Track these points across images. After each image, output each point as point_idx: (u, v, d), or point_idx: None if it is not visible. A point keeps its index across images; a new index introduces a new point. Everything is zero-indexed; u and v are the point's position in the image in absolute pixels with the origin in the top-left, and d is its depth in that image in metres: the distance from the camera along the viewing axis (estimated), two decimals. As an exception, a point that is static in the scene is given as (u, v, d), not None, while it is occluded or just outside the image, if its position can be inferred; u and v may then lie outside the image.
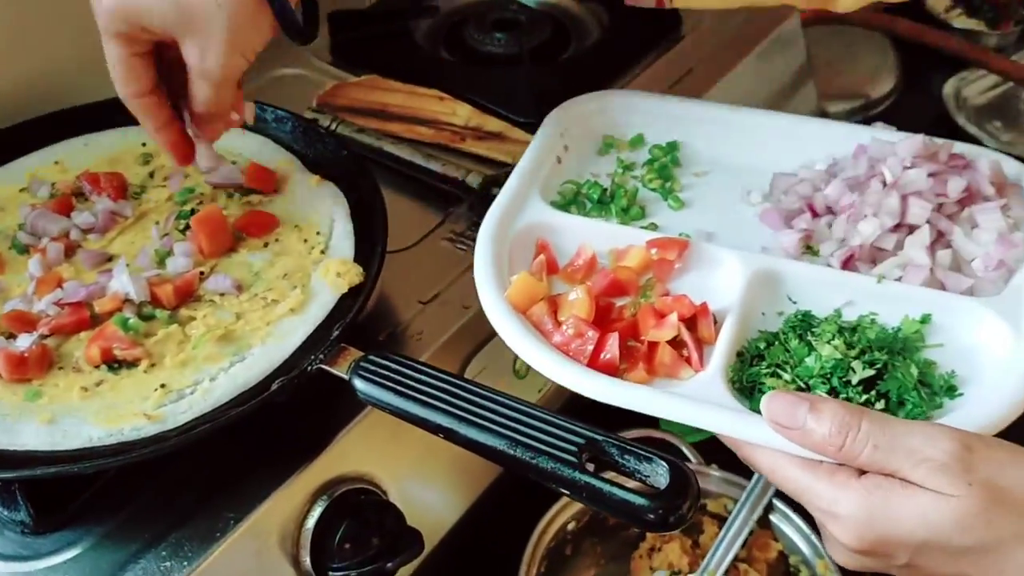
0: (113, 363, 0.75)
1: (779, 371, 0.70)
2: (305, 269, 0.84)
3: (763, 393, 0.65)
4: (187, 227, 0.86)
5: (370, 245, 0.85)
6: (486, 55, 1.20)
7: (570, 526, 0.92)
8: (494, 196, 0.97)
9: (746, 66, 1.23)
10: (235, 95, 0.80)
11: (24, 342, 0.75)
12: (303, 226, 0.88)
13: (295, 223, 0.88)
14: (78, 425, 0.71)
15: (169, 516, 0.72)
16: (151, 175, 0.94)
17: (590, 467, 0.63)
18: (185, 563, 0.69)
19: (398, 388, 0.69)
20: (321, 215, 0.89)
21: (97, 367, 0.75)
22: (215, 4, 0.71)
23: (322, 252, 0.85)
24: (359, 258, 0.84)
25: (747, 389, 0.71)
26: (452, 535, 0.87)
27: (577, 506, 0.92)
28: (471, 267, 0.91)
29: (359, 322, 0.79)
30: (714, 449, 1.07)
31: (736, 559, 0.88)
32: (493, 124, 1.09)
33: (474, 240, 0.94)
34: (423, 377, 0.70)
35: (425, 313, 0.88)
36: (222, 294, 0.81)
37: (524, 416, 0.66)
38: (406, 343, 0.85)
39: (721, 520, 0.91)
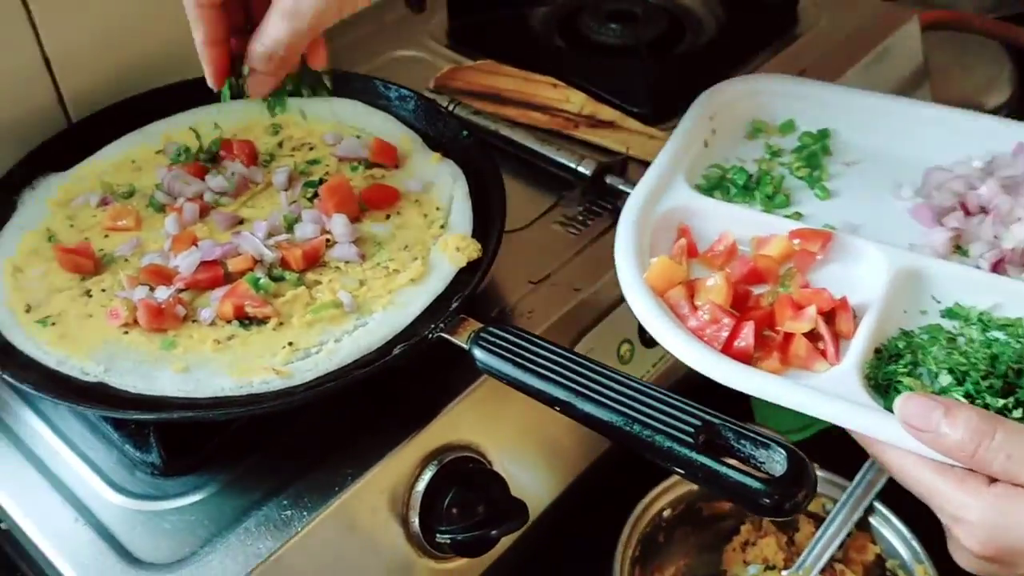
0: (244, 319, 0.79)
1: (916, 370, 0.70)
2: (424, 242, 0.86)
3: (898, 392, 0.65)
4: (315, 195, 0.89)
5: (487, 222, 0.87)
6: (601, 45, 1.21)
7: (665, 513, 0.93)
8: (607, 184, 0.99)
9: (862, 68, 1.22)
10: (319, 52, 0.81)
11: (162, 294, 0.80)
12: (423, 201, 0.91)
13: (415, 198, 0.91)
14: (210, 376, 0.75)
15: (290, 468, 0.75)
16: (280, 145, 0.98)
17: (705, 448, 0.64)
18: (304, 513, 0.72)
19: (517, 360, 0.71)
20: (440, 191, 0.92)
21: (229, 322, 0.79)
22: None
23: (441, 227, 0.88)
24: (477, 235, 0.87)
25: (882, 387, 0.70)
26: (549, 511, 0.89)
27: (674, 494, 0.93)
28: (582, 251, 0.94)
29: (474, 296, 0.81)
30: (813, 448, 1.08)
31: (832, 559, 0.88)
32: (606, 113, 1.11)
33: (585, 225, 0.97)
34: (541, 351, 0.72)
35: (535, 293, 0.90)
36: (347, 261, 0.84)
37: (641, 395, 0.67)
38: (516, 320, 0.87)
39: (818, 519, 0.91)
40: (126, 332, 0.78)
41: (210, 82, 0.83)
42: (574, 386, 0.68)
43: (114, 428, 0.76)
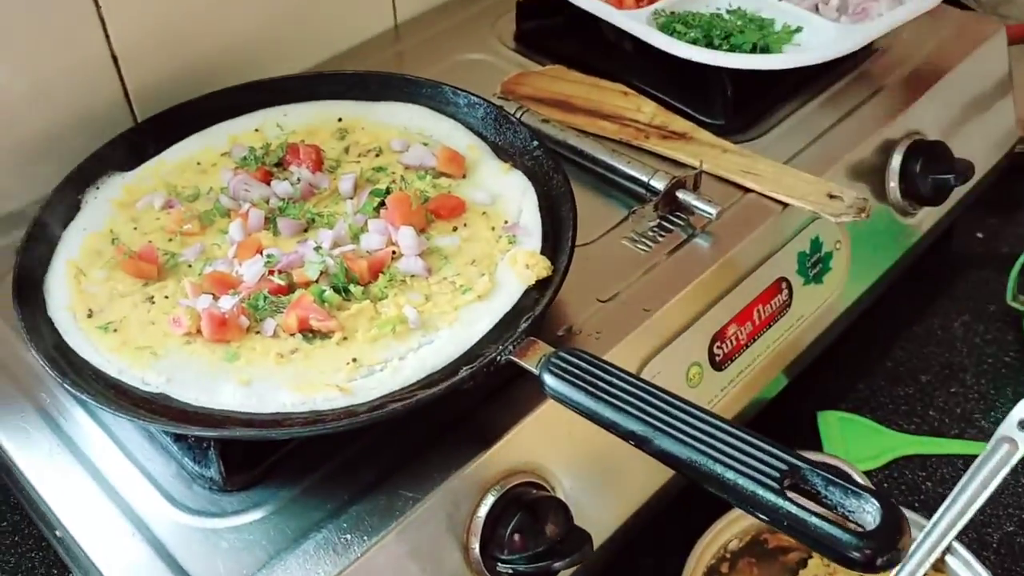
0: (308, 333, 0.77)
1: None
2: (492, 257, 0.84)
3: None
4: (381, 204, 0.87)
5: (557, 238, 0.84)
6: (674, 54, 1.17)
7: (731, 544, 0.89)
8: (679, 199, 0.95)
9: (946, 84, 1.17)
10: None
11: (227, 303, 0.78)
12: (491, 213, 0.88)
13: (482, 210, 0.89)
14: (273, 390, 0.73)
15: (351, 488, 0.73)
16: (346, 151, 0.96)
17: (791, 494, 0.60)
18: (364, 537, 0.70)
19: (590, 388, 0.68)
20: (509, 204, 0.89)
21: (292, 335, 0.77)
22: None
23: (509, 242, 0.85)
24: (546, 251, 0.84)
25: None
26: (612, 540, 0.86)
27: (739, 525, 0.90)
28: (652, 269, 0.91)
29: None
30: (885, 479, 1.04)
31: (906, 601, 0.84)
32: (679, 124, 1.07)
33: (656, 242, 0.94)
34: (615, 379, 0.69)
35: (603, 312, 0.87)
36: (412, 275, 0.82)
37: (723, 433, 0.64)
38: (584, 341, 0.84)
39: (892, 559, 0.87)
40: (188, 342, 0.77)
41: None
42: (652, 420, 0.65)
43: (173, 440, 0.75)
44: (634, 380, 0.68)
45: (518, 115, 1.03)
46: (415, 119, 0.99)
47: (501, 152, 0.95)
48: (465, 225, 0.87)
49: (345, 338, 0.77)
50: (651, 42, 1.08)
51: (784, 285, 0.98)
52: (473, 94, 0.99)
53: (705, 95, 1.08)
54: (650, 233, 0.95)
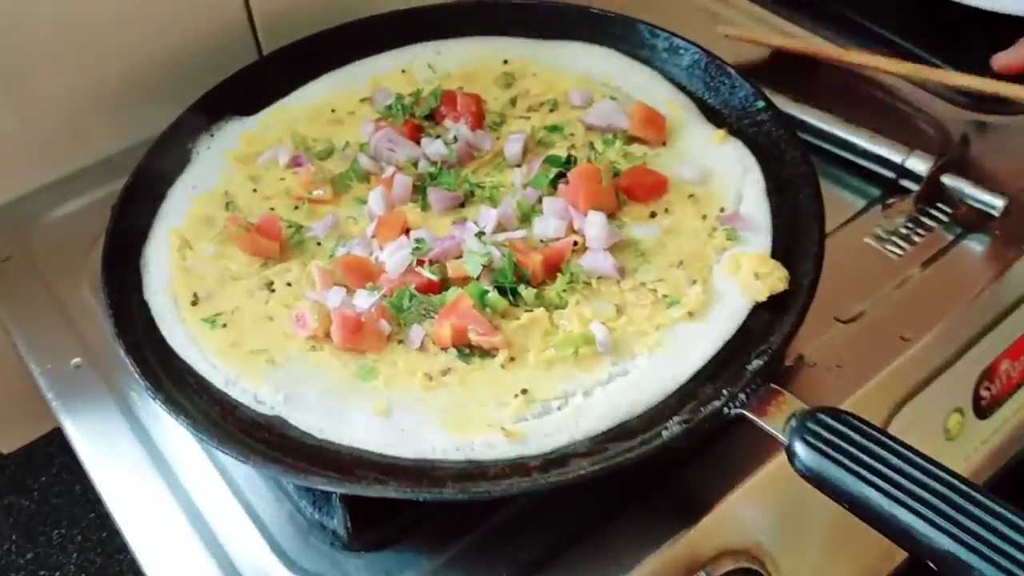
0: (465, 348, 0.59)
1: None
2: (705, 258, 0.63)
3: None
4: (559, 177, 0.67)
5: (794, 237, 0.63)
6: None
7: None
8: (944, 186, 0.72)
9: None
10: None
11: (363, 301, 0.60)
12: (700, 196, 0.68)
13: (689, 191, 0.68)
14: (419, 424, 0.56)
15: (513, 562, 0.55)
16: (512, 102, 0.76)
17: None
18: (529, 636, 0.52)
19: (862, 471, 0.48)
20: (725, 184, 0.68)
21: (445, 350, 0.59)
22: None
23: (729, 239, 0.64)
24: (777, 254, 0.63)
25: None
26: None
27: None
28: (907, 281, 0.70)
29: (783, 354, 0.58)
30: None
31: None
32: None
33: (911, 243, 0.72)
34: (895, 458, 0.48)
35: (844, 336, 0.66)
36: (600, 277, 0.62)
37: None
38: (820, 377, 0.64)
39: None
40: (314, 348, 0.60)
41: (1000, 58, 0.73)
42: (969, 538, 0.45)
43: None
44: (937, 470, 0.47)
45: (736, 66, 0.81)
46: (599, 64, 0.79)
47: (712, 114, 0.74)
48: (666, 211, 0.67)
49: (512, 359, 0.58)
50: None
51: (1075, 308, 0.75)
52: (678, 36, 0.77)
53: (965, 47, 0.85)
54: (903, 231, 0.73)
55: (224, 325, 0.61)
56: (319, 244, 0.66)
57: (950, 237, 0.72)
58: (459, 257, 0.63)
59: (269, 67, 0.79)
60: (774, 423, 0.52)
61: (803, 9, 0.93)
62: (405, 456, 0.55)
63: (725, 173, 0.69)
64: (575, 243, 0.64)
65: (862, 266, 0.71)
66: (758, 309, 0.60)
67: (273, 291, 0.63)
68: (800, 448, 0.50)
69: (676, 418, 0.54)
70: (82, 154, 0.80)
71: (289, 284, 0.64)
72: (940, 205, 0.74)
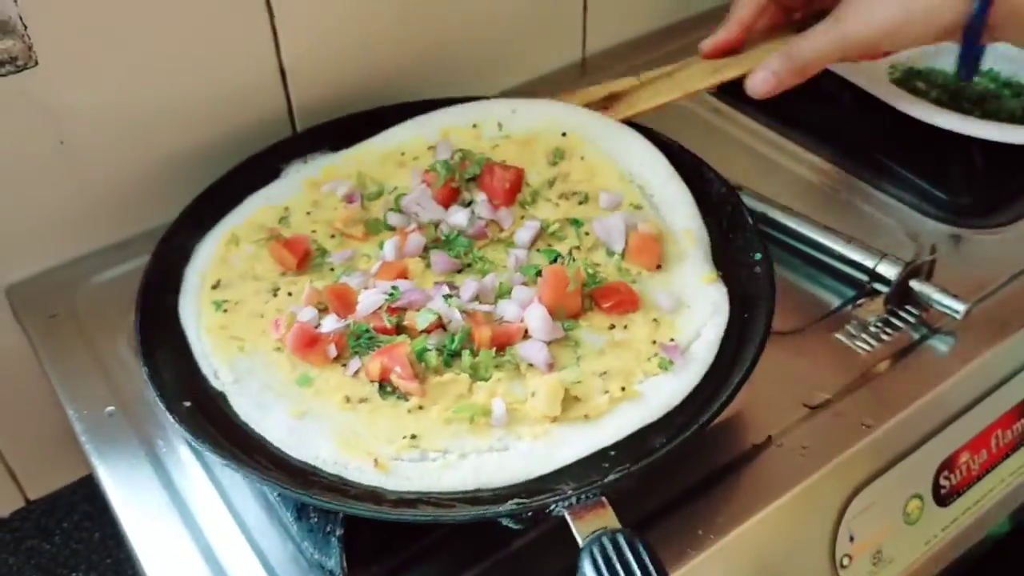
0: (388, 385, 0.68)
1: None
2: (628, 376, 0.68)
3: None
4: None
5: (723, 383, 0.67)
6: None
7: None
8: (912, 290, 0.78)
9: None
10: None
11: (329, 325, 0.71)
12: (662, 323, 0.72)
13: (655, 315, 0.73)
14: (317, 434, 0.66)
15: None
16: (551, 183, 0.83)
17: None
18: None
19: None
20: (691, 320, 0.72)
21: (372, 382, 0.68)
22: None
23: (660, 367, 0.68)
24: (702, 391, 0.67)
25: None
26: None
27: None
28: (873, 374, 0.75)
29: (706, 423, 0.63)
30: None
31: None
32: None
33: (879, 340, 0.77)
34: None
35: (811, 422, 0.72)
36: (530, 364, 0.69)
37: None
38: (786, 456, 0.70)
39: None
40: (278, 348, 0.71)
41: (705, 43, 0.85)
42: None
43: (296, 517, 0.64)
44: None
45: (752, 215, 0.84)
46: (647, 165, 0.83)
47: (717, 250, 0.78)
48: (626, 327, 0.72)
49: (421, 407, 0.67)
50: (885, 99, 0.93)
51: (1031, 409, 0.79)
52: (722, 177, 0.81)
53: (942, 165, 0.91)
54: (873, 329, 0.78)
55: (225, 310, 0.74)
56: (332, 269, 0.78)
57: (916, 336, 0.77)
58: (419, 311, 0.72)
59: (370, 115, 0.90)
60: (584, 530, 0.56)
61: (798, 127, 0.99)
62: (294, 456, 0.65)
63: (696, 310, 0.73)
64: (526, 331, 0.71)
65: (832, 359, 0.76)
66: (651, 430, 0.64)
67: (275, 296, 0.76)
68: (586, 564, 0.54)
69: (513, 501, 0.60)
70: (126, 226, 0.89)
71: (290, 294, 0.76)
72: (908, 307, 0.78)
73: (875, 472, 0.71)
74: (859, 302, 0.79)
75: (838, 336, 0.78)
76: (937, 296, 0.76)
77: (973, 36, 0.71)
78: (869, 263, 0.79)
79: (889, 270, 0.78)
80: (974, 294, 0.78)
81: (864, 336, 0.78)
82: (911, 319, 0.78)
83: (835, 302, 0.81)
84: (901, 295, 0.78)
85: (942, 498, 0.76)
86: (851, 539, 0.70)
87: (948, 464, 0.75)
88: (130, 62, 0.82)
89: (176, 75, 0.85)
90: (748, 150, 0.98)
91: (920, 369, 0.75)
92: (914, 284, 0.78)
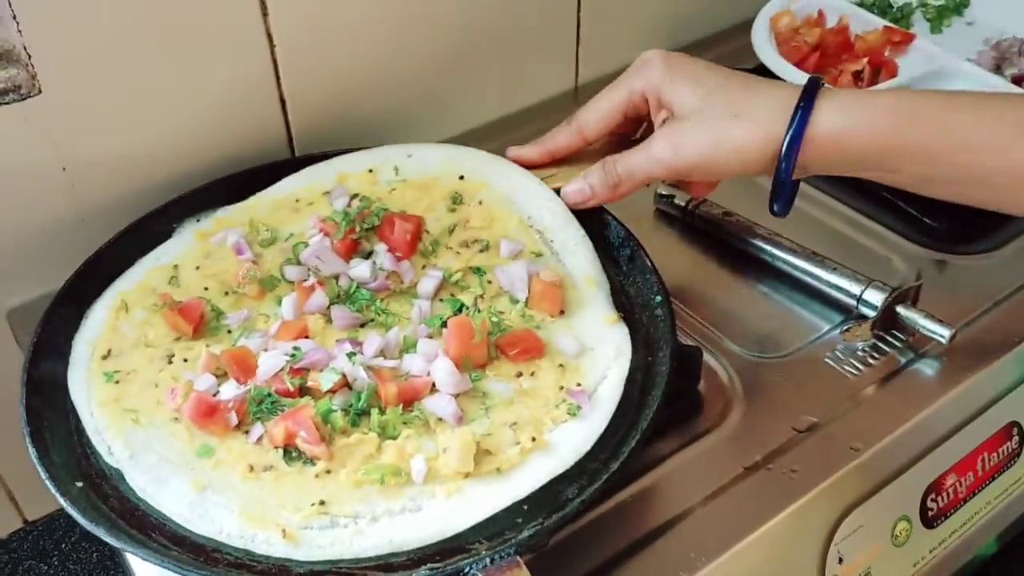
0: (293, 451, 0.66)
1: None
2: (538, 424, 0.68)
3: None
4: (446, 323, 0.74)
5: (631, 429, 0.67)
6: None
7: None
8: (898, 315, 0.80)
9: None
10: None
11: (228, 392, 0.69)
12: (568, 368, 0.73)
13: (561, 361, 0.73)
14: (222, 508, 0.63)
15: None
16: (451, 230, 0.82)
17: None
18: None
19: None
20: (596, 364, 0.73)
21: (277, 448, 0.66)
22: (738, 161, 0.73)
23: (569, 413, 0.69)
24: (607, 438, 0.67)
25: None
26: None
27: None
28: (862, 397, 0.76)
29: (616, 471, 0.63)
30: None
31: None
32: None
33: (867, 364, 0.79)
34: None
35: (800, 445, 0.73)
36: (440, 419, 0.68)
37: None
38: (776, 479, 0.71)
39: None
40: (176, 418, 0.69)
41: (524, 151, 0.85)
42: None
43: None
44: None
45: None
46: (548, 207, 0.82)
47: (619, 294, 0.79)
48: (532, 374, 0.72)
49: (329, 471, 0.65)
50: None
51: (1016, 431, 0.83)
52: (624, 226, 0.82)
53: None
54: (860, 353, 0.80)
55: (117, 381, 0.71)
56: (229, 332, 0.76)
57: (903, 360, 0.79)
58: (323, 371, 0.70)
59: (270, 169, 0.89)
60: (494, 592, 0.56)
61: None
62: (197, 532, 0.62)
63: (600, 353, 0.73)
64: (433, 385, 0.70)
65: (820, 383, 0.77)
66: (563, 479, 0.64)
67: (171, 363, 0.73)
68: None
69: (426, 567, 0.59)
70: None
71: (185, 360, 0.73)
72: (895, 332, 0.81)
73: (864, 494, 0.73)
74: (847, 327, 0.81)
75: (827, 359, 0.80)
76: (923, 321, 0.78)
77: (784, 175, 0.71)
78: (856, 289, 0.81)
79: (875, 296, 0.80)
80: (959, 319, 0.80)
81: (852, 360, 0.79)
82: (898, 344, 0.80)
83: (824, 327, 0.83)
84: (888, 320, 0.80)
85: (930, 520, 0.77)
86: (840, 561, 0.72)
87: (935, 486, 0.77)
88: (132, 89, 0.83)
89: (177, 105, 0.87)
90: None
91: (907, 393, 0.77)
92: (900, 310, 0.79)
